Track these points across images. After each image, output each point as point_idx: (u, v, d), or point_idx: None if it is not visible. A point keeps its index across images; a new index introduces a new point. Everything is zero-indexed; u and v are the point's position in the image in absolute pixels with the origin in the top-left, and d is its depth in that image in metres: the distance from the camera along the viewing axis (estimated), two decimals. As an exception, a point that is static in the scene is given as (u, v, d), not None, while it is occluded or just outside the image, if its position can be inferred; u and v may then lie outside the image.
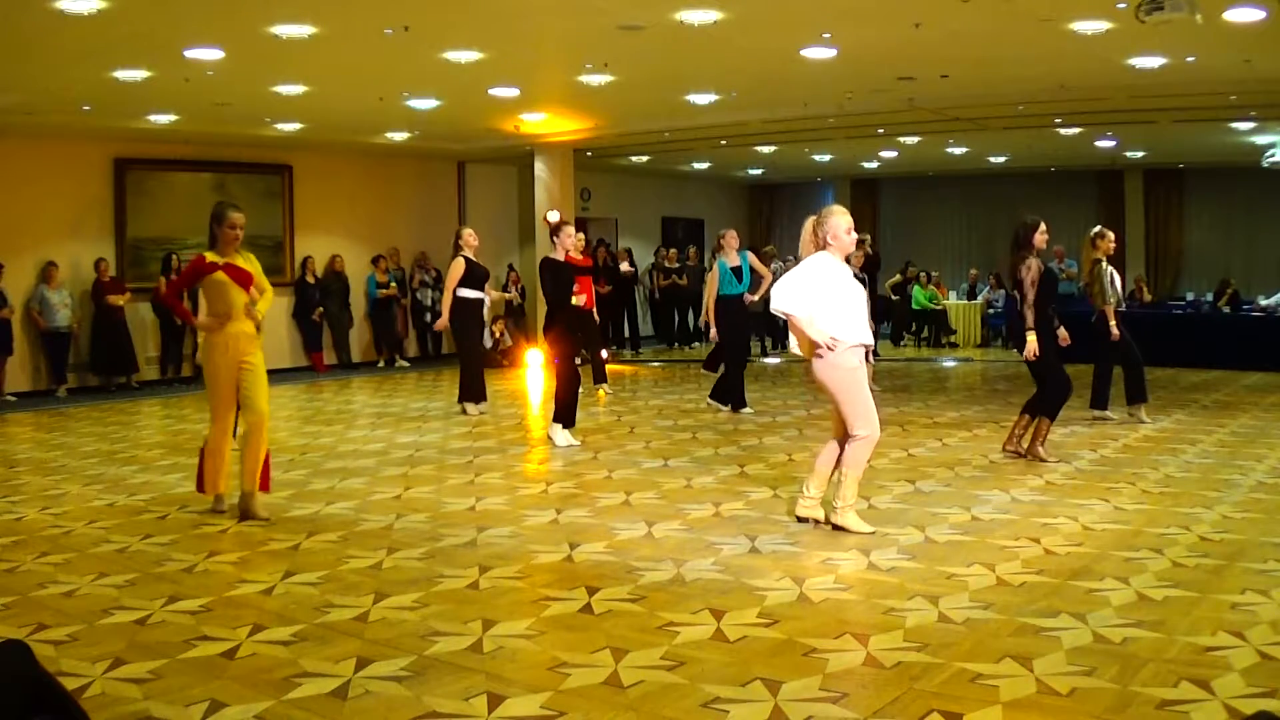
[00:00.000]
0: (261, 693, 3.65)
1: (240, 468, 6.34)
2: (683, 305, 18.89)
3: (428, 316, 15.60)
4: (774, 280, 8.02)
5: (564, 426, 8.73)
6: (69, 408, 11.89)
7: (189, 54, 9.02)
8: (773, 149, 17.59)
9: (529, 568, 5.20)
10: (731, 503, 6.52)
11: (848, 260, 5.82)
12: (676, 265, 18.80)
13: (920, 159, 18.94)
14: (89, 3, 7.28)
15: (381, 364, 16.07)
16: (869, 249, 12.73)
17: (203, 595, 4.79)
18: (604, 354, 12.98)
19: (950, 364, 15.90)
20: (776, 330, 16.79)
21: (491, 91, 11.52)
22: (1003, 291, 17.60)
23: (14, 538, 5.94)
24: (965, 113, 12.97)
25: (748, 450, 8.43)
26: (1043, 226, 7.68)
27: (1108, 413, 9.45)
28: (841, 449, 5.73)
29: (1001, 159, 18.89)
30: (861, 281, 7.83)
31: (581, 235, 12.50)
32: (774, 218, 23.60)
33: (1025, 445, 7.80)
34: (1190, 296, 17.38)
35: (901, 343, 19.13)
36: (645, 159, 18.81)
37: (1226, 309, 16.21)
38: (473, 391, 10.67)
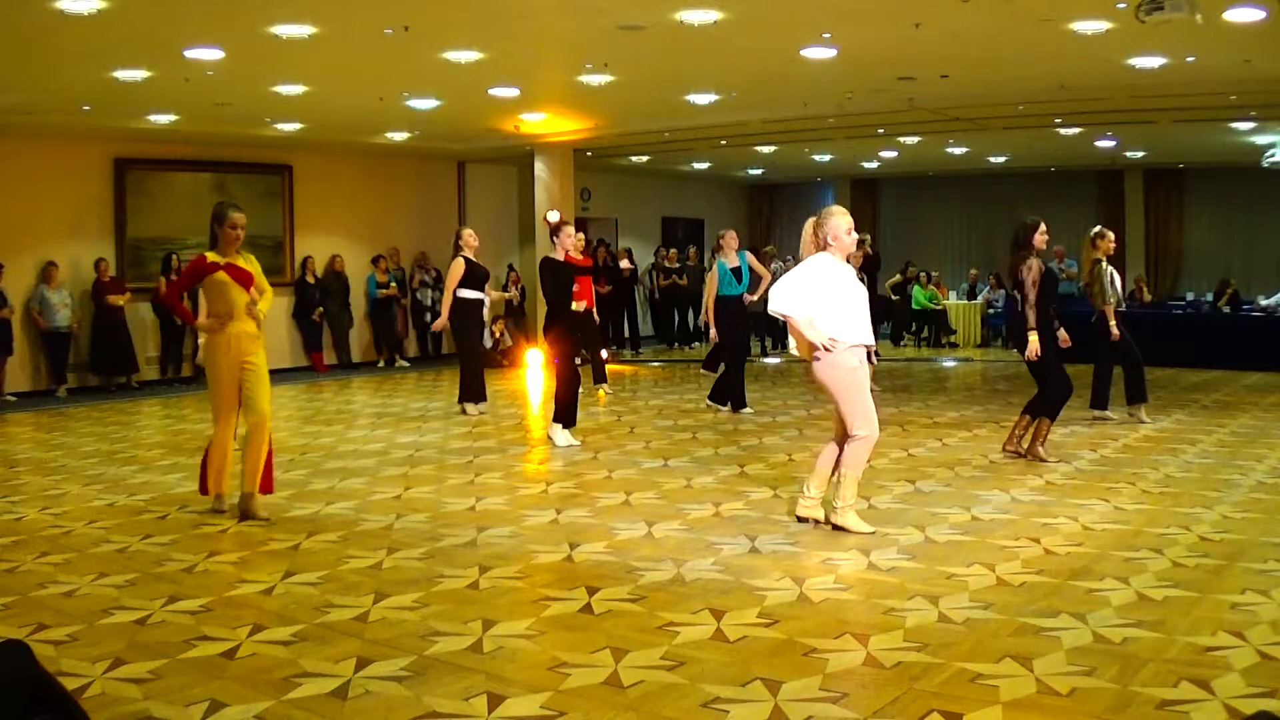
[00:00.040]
0: (261, 693, 3.65)
1: (241, 468, 6.35)
2: (683, 305, 18.90)
3: (428, 316, 15.59)
4: (773, 280, 8.03)
5: (564, 426, 8.73)
6: (69, 408, 11.89)
7: (189, 54, 9.02)
8: (773, 149, 17.59)
9: (529, 568, 5.20)
10: (731, 503, 6.52)
11: (847, 260, 5.82)
12: (676, 265, 18.81)
13: (920, 159, 18.94)
14: (89, 3, 7.28)
15: (381, 364, 16.07)
16: (869, 249, 12.73)
17: (203, 595, 4.79)
18: (604, 354, 12.98)
19: (950, 364, 15.90)
20: (776, 330, 16.79)
21: (491, 91, 11.52)
22: (1003, 291, 17.59)
23: (14, 538, 5.94)
24: (965, 113, 12.97)
25: (748, 450, 8.43)
26: (1043, 227, 7.68)
27: (1108, 413, 9.46)
28: (842, 449, 5.73)
29: (1001, 159, 18.89)
30: (862, 282, 7.83)
31: (581, 235, 12.50)
32: (774, 218, 23.61)
33: (1025, 445, 7.80)
34: (1190, 296, 17.38)
35: (901, 343, 19.13)
36: (645, 159, 18.82)
37: (1226, 309, 16.21)
38: (473, 392, 10.67)
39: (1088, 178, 19.94)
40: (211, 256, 6.23)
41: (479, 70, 10.11)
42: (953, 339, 18.72)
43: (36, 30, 8.01)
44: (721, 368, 10.91)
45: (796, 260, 6.09)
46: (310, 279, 15.31)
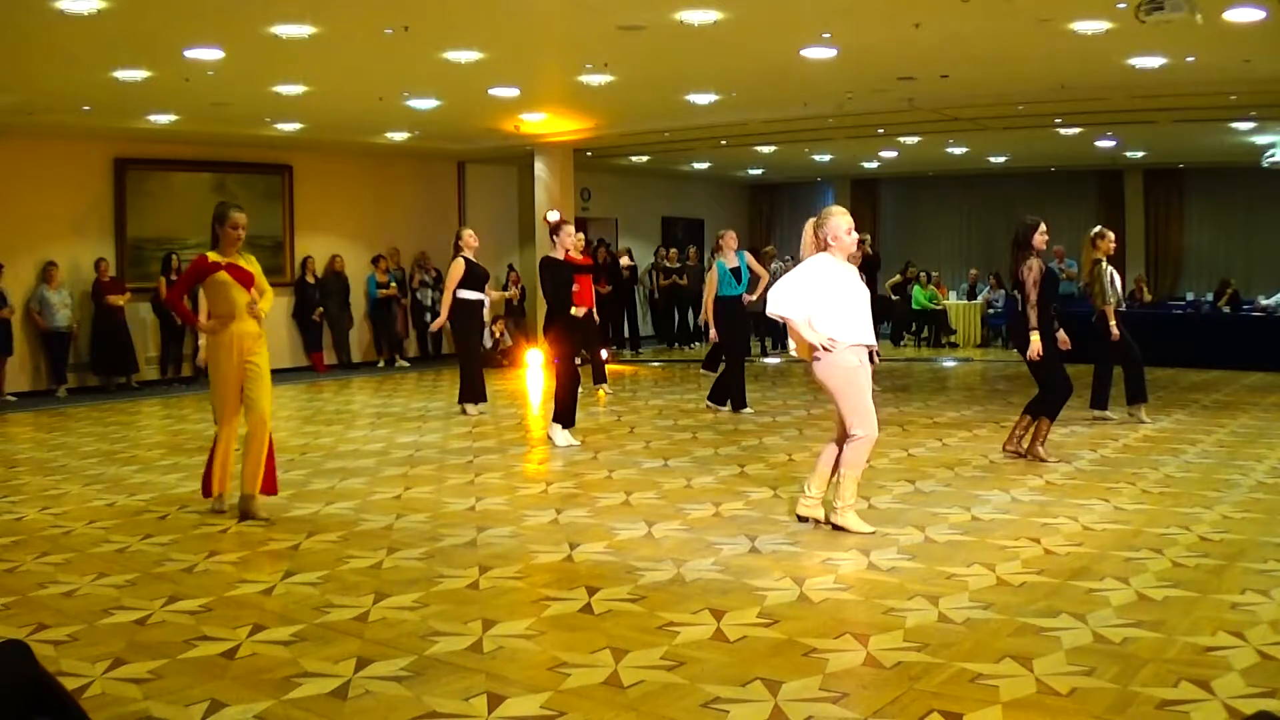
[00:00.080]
0: (261, 693, 3.65)
1: (241, 468, 6.35)
2: (683, 305, 18.90)
3: (428, 316, 15.60)
4: (772, 280, 8.03)
5: (564, 426, 8.73)
6: (69, 408, 11.89)
7: (189, 54, 9.02)
8: (773, 149, 17.59)
9: (529, 568, 5.20)
10: (731, 503, 6.52)
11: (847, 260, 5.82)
12: (676, 265, 18.81)
13: (920, 159, 18.95)
14: (89, 3, 7.28)
15: (381, 364, 16.08)
16: (869, 249, 12.73)
17: (203, 595, 4.79)
18: (604, 354, 12.99)
19: (950, 364, 15.90)
20: (776, 330, 16.79)
21: (491, 91, 11.52)
22: (1003, 292, 17.60)
23: (14, 538, 5.95)
24: (965, 113, 12.97)
25: (748, 450, 8.43)
26: (1043, 227, 7.68)
27: (1108, 413, 9.46)
28: (842, 449, 5.73)
29: (1001, 159, 18.89)
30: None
31: (581, 235, 12.50)
32: (774, 218, 23.61)
33: (1025, 445, 7.80)
34: (1190, 296, 17.39)
35: (901, 343, 19.12)
36: (645, 159, 18.82)
37: (1226, 309, 16.21)
38: (473, 392, 10.67)
39: (1088, 178, 19.95)
40: (213, 256, 6.24)
41: (479, 70, 10.11)
42: (953, 339, 18.72)
43: (36, 30, 8.02)
44: (721, 367, 10.92)
45: (796, 260, 6.09)
46: (310, 279, 15.32)
